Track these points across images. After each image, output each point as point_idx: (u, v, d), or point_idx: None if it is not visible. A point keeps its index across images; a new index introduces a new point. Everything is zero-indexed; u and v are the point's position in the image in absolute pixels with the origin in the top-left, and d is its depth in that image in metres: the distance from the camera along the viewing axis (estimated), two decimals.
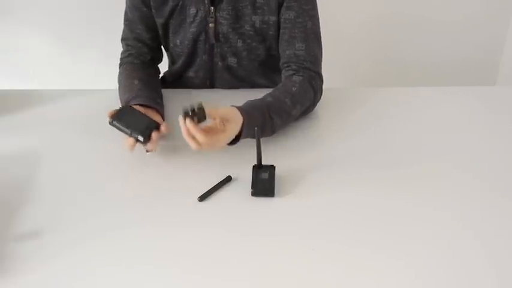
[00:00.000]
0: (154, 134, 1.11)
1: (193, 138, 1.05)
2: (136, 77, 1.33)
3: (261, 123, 1.14)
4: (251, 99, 1.19)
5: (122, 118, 1.12)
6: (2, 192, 1.06)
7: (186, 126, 1.06)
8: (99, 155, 1.18)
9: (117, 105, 1.30)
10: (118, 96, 1.31)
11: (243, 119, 1.10)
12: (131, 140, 1.11)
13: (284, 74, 1.32)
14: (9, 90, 1.47)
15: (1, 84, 2.19)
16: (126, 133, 1.11)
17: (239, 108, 1.12)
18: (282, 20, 1.30)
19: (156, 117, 1.18)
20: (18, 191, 1.06)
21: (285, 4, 1.27)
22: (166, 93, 1.34)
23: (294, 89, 1.24)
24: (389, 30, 2.27)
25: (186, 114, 1.05)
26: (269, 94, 1.22)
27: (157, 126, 1.13)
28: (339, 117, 1.30)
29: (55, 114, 1.34)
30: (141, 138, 1.10)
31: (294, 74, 1.29)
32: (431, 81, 2.34)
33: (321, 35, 1.33)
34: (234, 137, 1.10)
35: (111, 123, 1.12)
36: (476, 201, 1.02)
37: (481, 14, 2.23)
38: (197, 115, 1.05)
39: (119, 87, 1.34)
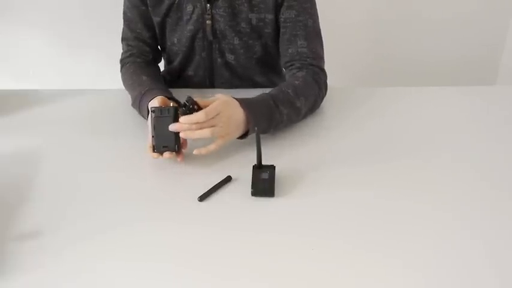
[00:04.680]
0: (167, 154, 1.09)
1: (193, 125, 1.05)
2: (143, 73, 1.33)
3: (266, 110, 1.13)
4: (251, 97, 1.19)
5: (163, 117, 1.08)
6: (2, 192, 1.06)
7: (179, 124, 1.06)
8: (99, 155, 1.18)
9: (117, 105, 1.30)
10: (117, 97, 1.31)
11: (244, 108, 1.10)
12: (150, 142, 1.10)
13: (288, 73, 1.32)
14: (9, 90, 1.47)
15: (1, 84, 2.20)
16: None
17: (238, 99, 1.12)
18: (282, 19, 1.30)
19: None
20: (18, 191, 1.06)
21: (285, 4, 1.28)
22: None
23: (296, 82, 1.24)
24: (390, 29, 2.27)
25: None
26: (271, 90, 1.21)
27: (176, 147, 1.09)
28: (339, 116, 1.30)
29: (55, 114, 1.35)
30: (156, 149, 1.09)
31: (297, 71, 1.29)
32: (431, 81, 2.34)
33: (322, 33, 1.34)
34: (236, 113, 1.09)
35: (152, 112, 1.09)
36: (477, 201, 1.02)
37: (481, 12, 2.23)
38: (189, 109, 1.06)
39: (126, 85, 1.34)
